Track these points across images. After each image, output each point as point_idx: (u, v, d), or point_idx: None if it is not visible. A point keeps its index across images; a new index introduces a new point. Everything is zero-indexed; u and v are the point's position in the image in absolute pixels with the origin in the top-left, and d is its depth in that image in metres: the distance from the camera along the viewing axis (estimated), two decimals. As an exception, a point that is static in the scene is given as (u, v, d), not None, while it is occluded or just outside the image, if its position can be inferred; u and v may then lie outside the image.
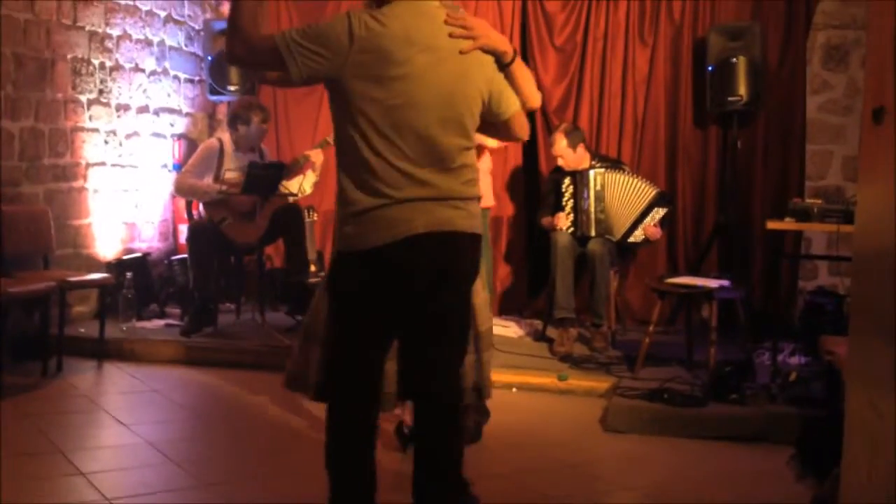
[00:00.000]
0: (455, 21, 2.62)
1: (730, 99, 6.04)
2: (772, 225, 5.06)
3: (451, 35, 2.60)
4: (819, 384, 4.55)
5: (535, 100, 2.84)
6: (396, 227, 2.52)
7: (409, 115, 2.52)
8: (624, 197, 5.70)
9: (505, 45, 2.71)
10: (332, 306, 2.73)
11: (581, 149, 5.76)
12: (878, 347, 2.06)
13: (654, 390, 4.56)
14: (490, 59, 2.68)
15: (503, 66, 2.71)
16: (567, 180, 5.75)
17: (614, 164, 5.89)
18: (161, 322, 5.99)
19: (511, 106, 2.73)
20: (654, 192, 5.68)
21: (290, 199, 5.92)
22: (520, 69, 2.75)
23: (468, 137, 2.64)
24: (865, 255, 2.13)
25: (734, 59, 6.02)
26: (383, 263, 2.55)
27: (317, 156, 5.80)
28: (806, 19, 6.36)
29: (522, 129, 2.81)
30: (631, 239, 5.69)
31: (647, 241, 5.73)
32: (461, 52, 2.60)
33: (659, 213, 5.67)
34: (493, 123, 2.75)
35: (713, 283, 5.01)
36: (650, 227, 5.66)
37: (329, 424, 2.71)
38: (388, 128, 2.52)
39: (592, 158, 5.83)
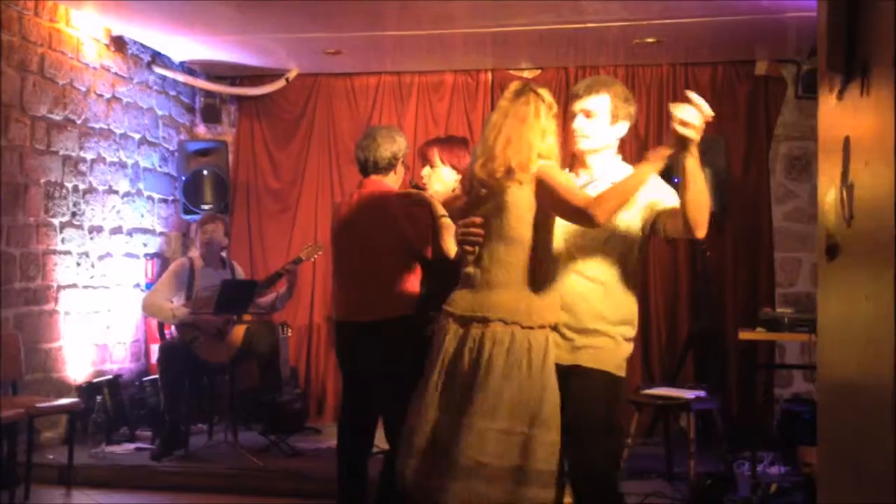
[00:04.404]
0: None
1: (697, 210, 6.12)
2: (744, 336, 5.09)
3: None
4: (800, 495, 4.51)
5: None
6: None
7: None
8: None
9: None
10: None
11: None
12: (848, 483, 2.03)
13: (634, 508, 4.49)
14: None
15: None
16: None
17: None
18: (131, 446, 5.84)
19: None
20: None
21: (263, 315, 5.91)
22: None
23: None
24: (830, 385, 2.12)
25: (699, 172, 6.14)
26: None
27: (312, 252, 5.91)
28: (766, 131, 6.54)
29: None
30: None
31: None
32: None
33: None
34: None
35: (689, 394, 5.00)
36: None
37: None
38: None
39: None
